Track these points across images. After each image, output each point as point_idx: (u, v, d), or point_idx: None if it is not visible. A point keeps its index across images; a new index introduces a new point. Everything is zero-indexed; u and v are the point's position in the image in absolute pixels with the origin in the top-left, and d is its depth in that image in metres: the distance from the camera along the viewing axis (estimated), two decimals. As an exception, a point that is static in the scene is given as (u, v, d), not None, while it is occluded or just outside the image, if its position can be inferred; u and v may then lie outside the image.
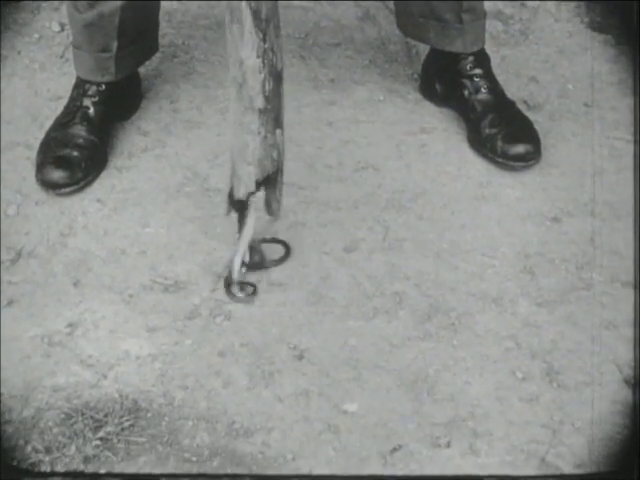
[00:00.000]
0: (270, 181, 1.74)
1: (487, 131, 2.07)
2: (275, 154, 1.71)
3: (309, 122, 2.17)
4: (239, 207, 1.75)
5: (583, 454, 1.64)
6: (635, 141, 2.01)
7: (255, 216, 1.76)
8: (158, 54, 2.24)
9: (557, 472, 1.62)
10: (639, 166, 1.95)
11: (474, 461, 1.64)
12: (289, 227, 1.98)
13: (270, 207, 1.79)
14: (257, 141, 1.70)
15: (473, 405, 1.71)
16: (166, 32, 2.35)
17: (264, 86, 1.67)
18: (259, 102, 1.67)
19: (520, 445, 1.66)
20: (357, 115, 2.20)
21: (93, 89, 2.07)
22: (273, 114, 1.70)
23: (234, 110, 1.70)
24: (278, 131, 1.71)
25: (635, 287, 1.81)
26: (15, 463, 1.59)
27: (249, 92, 1.67)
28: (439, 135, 2.16)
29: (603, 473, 1.60)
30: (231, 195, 1.75)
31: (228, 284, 1.86)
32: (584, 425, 1.68)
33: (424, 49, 2.27)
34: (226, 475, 1.59)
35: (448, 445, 1.65)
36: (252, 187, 1.72)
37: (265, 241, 1.90)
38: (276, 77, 1.69)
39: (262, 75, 1.67)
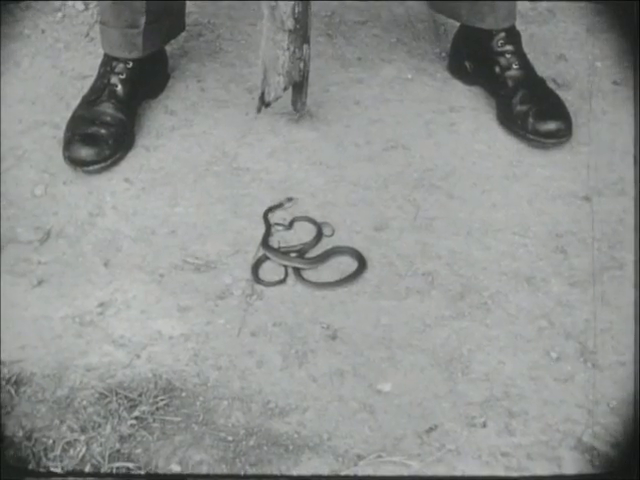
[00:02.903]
0: (296, 85, 1.95)
1: (518, 108, 2.06)
2: (302, 65, 1.88)
3: (337, 101, 2.16)
4: (267, 105, 1.97)
5: (619, 434, 1.63)
6: (635, 142, 2.00)
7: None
8: (183, 33, 2.23)
9: (592, 453, 1.61)
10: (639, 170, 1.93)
11: (510, 441, 1.63)
12: (319, 206, 1.97)
13: (296, 105, 2.01)
14: (286, 55, 1.87)
15: (508, 385, 1.70)
16: (191, 11, 2.33)
17: (294, 9, 1.83)
18: (289, 24, 1.83)
19: (555, 425, 1.65)
20: (385, 94, 2.19)
21: (120, 66, 2.06)
22: (301, 32, 1.86)
23: (267, 28, 1.87)
24: (305, 46, 1.87)
25: (636, 287, 1.80)
26: (51, 442, 1.59)
27: (281, 15, 1.82)
28: (468, 113, 2.14)
29: (603, 474, 1.59)
30: (262, 97, 1.95)
31: (256, 268, 1.86)
32: (619, 405, 1.67)
33: (452, 27, 2.26)
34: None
35: (484, 425, 1.65)
36: (280, 93, 1.93)
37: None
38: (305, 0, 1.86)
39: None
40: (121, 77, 2.06)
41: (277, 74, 1.90)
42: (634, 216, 1.90)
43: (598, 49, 2.30)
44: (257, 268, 1.86)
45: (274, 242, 1.90)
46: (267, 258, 1.87)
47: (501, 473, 1.59)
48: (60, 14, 2.38)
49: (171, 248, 1.90)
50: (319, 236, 1.91)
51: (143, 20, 2.02)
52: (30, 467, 1.56)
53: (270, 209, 1.94)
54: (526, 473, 1.59)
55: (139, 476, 1.55)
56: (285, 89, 1.94)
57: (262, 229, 1.92)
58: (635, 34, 1.97)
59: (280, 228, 1.93)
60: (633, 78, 2.09)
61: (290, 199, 1.95)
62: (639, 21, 1.95)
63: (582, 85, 2.21)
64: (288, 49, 1.87)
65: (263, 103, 1.95)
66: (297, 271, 1.85)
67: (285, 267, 1.86)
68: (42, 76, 2.23)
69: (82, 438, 1.60)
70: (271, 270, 1.87)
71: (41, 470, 1.55)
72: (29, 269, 1.86)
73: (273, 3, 1.84)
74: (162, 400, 1.66)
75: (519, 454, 1.61)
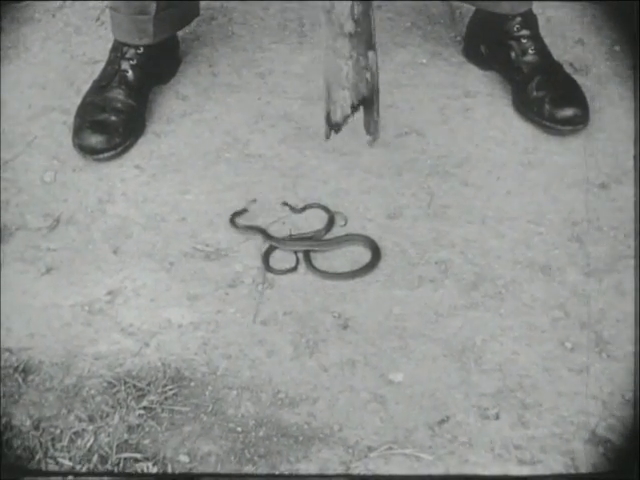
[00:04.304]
0: (366, 102, 1.76)
1: (534, 94, 2.02)
2: (369, 76, 1.72)
3: (350, 86, 2.13)
4: (337, 129, 1.78)
5: (634, 426, 1.61)
6: (635, 141, 1.96)
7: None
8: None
9: (607, 446, 1.59)
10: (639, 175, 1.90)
11: (523, 433, 1.60)
12: (331, 193, 1.95)
13: (369, 127, 1.79)
14: (350, 65, 1.71)
15: (521, 375, 1.68)
16: (203, -6, 2.31)
17: (353, 10, 1.67)
18: (349, 26, 1.68)
19: (570, 417, 1.62)
20: (399, 79, 2.16)
21: (131, 52, 2.04)
22: (364, 37, 1.70)
23: (325, 36, 1.71)
24: (370, 53, 1.71)
25: (636, 291, 1.77)
26: (58, 432, 1.58)
27: (338, 17, 1.67)
28: (484, 99, 2.11)
29: (603, 473, 1.57)
30: (328, 118, 1.77)
31: (267, 256, 1.83)
32: (638, 398, 1.64)
33: (468, 11, 2.22)
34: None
35: (497, 417, 1.62)
36: (348, 110, 1.75)
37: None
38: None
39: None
40: (132, 63, 2.04)
41: (342, 88, 1.74)
42: (634, 207, 1.88)
43: (617, 33, 2.26)
44: (268, 256, 1.84)
45: (286, 230, 1.88)
46: (275, 248, 1.85)
47: (514, 466, 1.57)
48: (71, -2, 2.36)
49: (181, 235, 1.88)
50: (331, 224, 1.88)
51: (154, 7, 2.00)
52: (37, 457, 1.55)
53: (236, 214, 1.89)
54: (539, 466, 1.57)
55: (136, 474, 1.53)
56: (353, 107, 1.76)
57: (272, 217, 1.90)
58: (635, 33, 1.95)
59: (290, 209, 1.90)
60: (633, 76, 2.07)
61: (254, 200, 1.90)
62: (639, 21, 1.92)
63: (599, 70, 2.18)
64: (351, 57, 1.70)
65: (331, 126, 1.78)
66: (308, 261, 1.83)
67: (296, 255, 1.84)
68: (52, 61, 2.21)
69: (90, 428, 1.59)
70: (282, 258, 1.85)
71: (42, 468, 1.54)
72: (38, 256, 1.85)
73: (328, 5, 1.68)
74: (171, 389, 1.65)
75: (532, 446, 1.59)
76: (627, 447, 1.59)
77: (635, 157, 1.93)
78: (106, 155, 1.99)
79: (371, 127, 1.79)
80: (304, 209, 1.92)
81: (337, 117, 1.76)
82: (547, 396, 1.65)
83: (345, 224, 1.90)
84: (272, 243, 1.85)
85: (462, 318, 1.75)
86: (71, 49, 2.24)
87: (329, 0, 1.67)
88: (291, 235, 1.87)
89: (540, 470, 1.57)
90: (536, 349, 1.71)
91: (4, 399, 1.63)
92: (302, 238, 1.86)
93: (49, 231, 1.89)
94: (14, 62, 2.20)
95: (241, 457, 1.57)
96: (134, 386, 1.65)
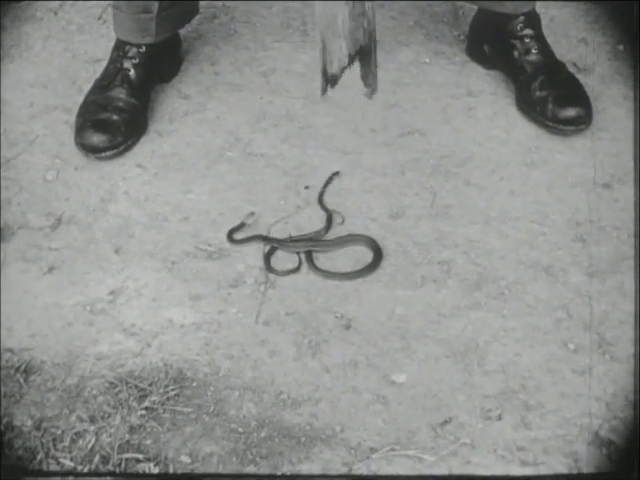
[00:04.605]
0: (363, 52, 1.67)
1: (537, 93, 2.02)
2: (365, 23, 1.64)
3: (352, 85, 2.12)
4: (334, 82, 1.68)
5: (636, 428, 1.60)
6: (635, 140, 1.95)
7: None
8: (197, 15, 2.19)
9: (611, 448, 1.59)
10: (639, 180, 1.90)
11: (526, 434, 1.60)
12: (334, 193, 1.94)
13: (366, 79, 1.71)
14: (346, 11, 1.62)
15: (524, 377, 1.67)
16: (205, -7, 2.31)
17: None
18: None
19: (573, 418, 1.62)
20: (402, 78, 2.15)
21: (133, 51, 2.03)
22: None
23: None
24: None
25: (636, 292, 1.77)
26: (60, 433, 1.57)
27: None
28: (487, 98, 2.11)
29: (603, 473, 1.56)
30: (324, 71, 1.68)
31: (268, 257, 1.83)
32: (638, 398, 1.64)
33: (471, 10, 2.22)
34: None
35: (499, 418, 1.62)
36: (345, 61, 1.66)
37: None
38: None
39: None
40: (134, 62, 2.03)
41: (337, 37, 1.65)
42: (634, 207, 1.87)
43: (620, 32, 2.25)
44: (270, 256, 1.83)
45: (288, 230, 1.88)
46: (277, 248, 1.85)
47: (516, 467, 1.57)
48: (73, -4, 2.36)
49: (183, 235, 1.88)
50: (329, 223, 1.88)
51: (156, 6, 1.99)
52: (39, 458, 1.55)
53: (233, 230, 1.87)
54: (542, 467, 1.57)
55: (138, 475, 1.53)
56: (350, 58, 1.66)
57: (275, 216, 1.90)
58: (635, 34, 1.94)
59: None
60: (633, 77, 2.06)
61: (252, 213, 1.89)
62: (639, 21, 1.91)
63: (603, 69, 2.17)
64: (346, 3, 1.61)
65: (327, 80, 1.68)
66: (310, 261, 1.82)
67: (299, 255, 1.84)
68: (54, 59, 2.21)
69: (91, 428, 1.59)
70: (284, 258, 1.84)
71: (43, 468, 1.54)
72: (40, 256, 1.85)
73: None
74: (173, 390, 1.64)
75: (535, 448, 1.59)
76: (630, 448, 1.58)
77: (635, 157, 1.92)
78: (108, 154, 1.98)
79: (369, 79, 1.71)
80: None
81: (333, 69, 1.66)
82: (550, 397, 1.65)
83: (342, 223, 1.89)
84: (274, 245, 1.84)
85: (465, 319, 1.75)
86: (73, 48, 2.23)
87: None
88: (291, 237, 1.86)
89: (543, 471, 1.57)
90: (539, 350, 1.71)
91: (5, 399, 1.63)
92: (303, 239, 1.86)
93: (51, 230, 1.89)
94: (16, 61, 2.19)
95: (243, 458, 1.57)
96: (136, 386, 1.65)
